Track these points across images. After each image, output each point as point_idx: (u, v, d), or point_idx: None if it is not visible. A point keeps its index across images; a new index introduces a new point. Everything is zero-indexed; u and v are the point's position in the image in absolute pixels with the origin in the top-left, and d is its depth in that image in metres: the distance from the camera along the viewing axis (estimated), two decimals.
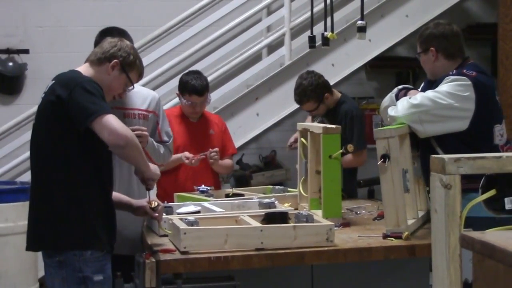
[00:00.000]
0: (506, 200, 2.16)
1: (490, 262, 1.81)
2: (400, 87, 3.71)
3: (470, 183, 2.32)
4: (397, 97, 3.59)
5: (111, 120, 2.87)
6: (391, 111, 3.52)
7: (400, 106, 3.47)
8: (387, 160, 3.14)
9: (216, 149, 4.56)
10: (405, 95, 3.57)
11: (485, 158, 2.00)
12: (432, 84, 3.59)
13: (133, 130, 3.27)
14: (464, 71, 3.49)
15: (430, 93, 3.45)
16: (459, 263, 1.96)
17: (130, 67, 3.15)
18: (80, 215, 2.95)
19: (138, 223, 3.62)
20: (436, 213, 2.00)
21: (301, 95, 4.79)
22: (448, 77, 3.46)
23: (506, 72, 5.55)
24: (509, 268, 1.73)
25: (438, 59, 3.59)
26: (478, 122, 3.41)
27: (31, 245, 3.07)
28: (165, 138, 3.90)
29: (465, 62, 3.60)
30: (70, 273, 2.93)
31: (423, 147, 3.51)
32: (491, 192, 2.14)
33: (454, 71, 3.51)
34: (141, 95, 3.79)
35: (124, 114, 3.67)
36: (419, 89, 3.71)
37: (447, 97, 3.39)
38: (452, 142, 3.40)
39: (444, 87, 3.43)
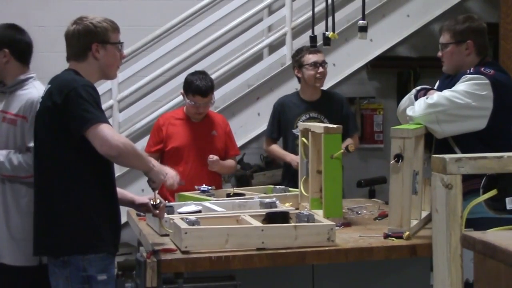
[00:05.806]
0: (507, 200, 2.15)
1: (491, 262, 1.81)
2: (418, 88, 3.64)
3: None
4: (416, 98, 3.54)
5: (104, 129, 2.85)
6: (409, 111, 3.48)
7: (417, 106, 3.44)
8: (400, 160, 3.11)
9: (214, 156, 4.56)
10: (424, 95, 3.51)
11: (486, 158, 1.99)
12: (449, 82, 3.55)
13: None
14: (482, 69, 3.45)
15: (447, 92, 3.41)
16: (460, 263, 1.95)
17: (106, 36, 3.10)
18: (83, 219, 2.95)
19: None
20: (437, 213, 2.00)
21: None
22: (466, 75, 3.42)
23: (508, 71, 5.53)
24: (511, 268, 1.73)
25: (471, 54, 3.53)
26: (496, 121, 3.38)
27: (37, 250, 3.09)
28: (31, 144, 3.33)
29: (484, 59, 3.56)
30: (74, 272, 2.94)
31: (440, 147, 3.44)
32: (492, 192, 2.14)
33: (472, 70, 3.46)
34: (20, 99, 3.54)
35: (2, 118, 3.54)
36: (435, 87, 3.66)
37: (465, 96, 3.36)
38: (470, 141, 3.37)
39: (461, 86, 3.39)
